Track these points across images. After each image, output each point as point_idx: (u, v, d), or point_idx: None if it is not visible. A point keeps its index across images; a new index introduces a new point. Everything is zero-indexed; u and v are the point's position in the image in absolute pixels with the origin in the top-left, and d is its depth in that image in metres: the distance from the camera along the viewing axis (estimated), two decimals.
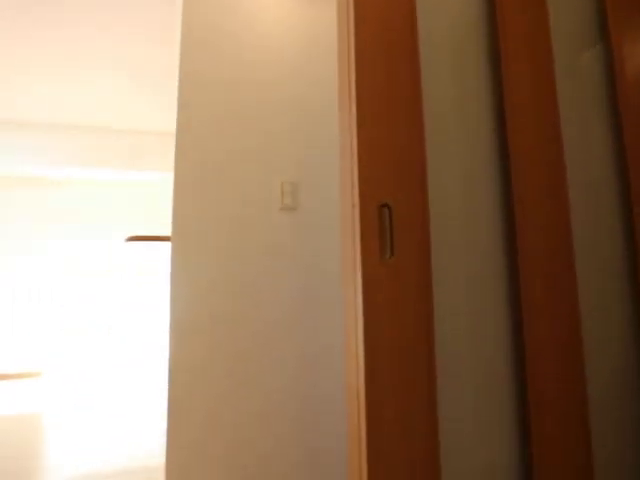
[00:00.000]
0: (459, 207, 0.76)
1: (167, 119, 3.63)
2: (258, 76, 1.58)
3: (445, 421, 0.75)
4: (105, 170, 3.78)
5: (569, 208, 0.83)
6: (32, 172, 3.80)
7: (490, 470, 0.76)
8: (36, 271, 3.91)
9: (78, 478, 1.86)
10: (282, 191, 1.52)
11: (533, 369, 0.73)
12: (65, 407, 2.79)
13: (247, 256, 1.48)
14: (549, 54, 0.86)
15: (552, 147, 0.82)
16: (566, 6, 0.99)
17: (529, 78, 0.82)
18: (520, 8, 0.85)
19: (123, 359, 3.97)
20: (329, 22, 1.70)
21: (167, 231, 4.18)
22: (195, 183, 1.48)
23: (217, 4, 1.57)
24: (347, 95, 0.72)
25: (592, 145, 0.97)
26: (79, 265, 4.01)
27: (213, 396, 1.39)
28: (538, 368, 0.74)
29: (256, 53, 1.60)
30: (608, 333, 0.88)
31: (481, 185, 0.78)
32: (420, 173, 0.68)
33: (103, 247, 4.09)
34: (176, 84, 3.03)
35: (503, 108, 0.81)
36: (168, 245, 4.18)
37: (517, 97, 0.79)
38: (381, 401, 0.62)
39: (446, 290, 0.73)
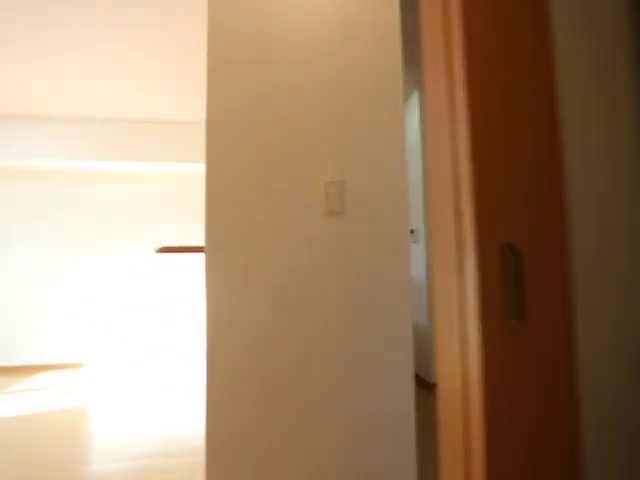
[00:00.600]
0: (615, 242, 0.52)
1: (198, 108, 3.46)
2: (291, 60, 1.36)
3: None
4: (145, 163, 3.70)
5: None
6: (83, 166, 3.78)
7: None
8: (86, 269, 3.95)
9: (122, 461, 1.82)
10: (326, 193, 1.31)
11: None
12: (108, 395, 2.81)
13: (286, 267, 1.30)
14: None
15: None
16: None
17: None
18: None
19: (159, 356, 3.99)
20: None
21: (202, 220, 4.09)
22: (228, 187, 1.30)
23: None
24: (444, 83, 0.50)
25: None
26: (122, 264, 4.01)
27: (249, 409, 1.25)
28: None
29: (288, 35, 1.37)
30: None
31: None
32: (557, 200, 0.45)
33: (142, 246, 4.06)
34: (204, 72, 2.84)
35: None
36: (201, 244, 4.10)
37: None
38: None
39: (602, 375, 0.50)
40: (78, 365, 3.84)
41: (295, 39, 1.37)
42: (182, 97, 3.27)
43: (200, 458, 1.95)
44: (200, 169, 4.05)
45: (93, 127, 3.67)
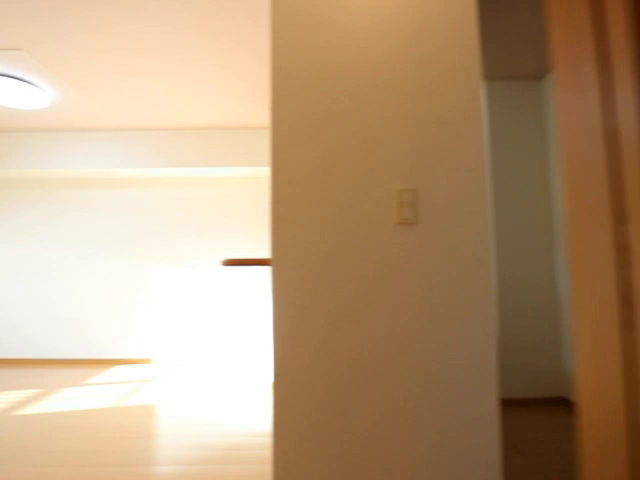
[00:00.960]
0: None
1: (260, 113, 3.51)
2: (360, 58, 1.28)
3: None
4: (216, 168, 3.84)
5: None
6: (153, 173, 4.03)
7: None
8: (157, 272, 4.19)
9: (188, 464, 1.87)
10: (399, 201, 1.22)
11: None
12: (177, 394, 2.94)
13: (356, 281, 1.23)
14: None
15: None
16: None
17: None
18: None
19: (227, 353, 4.11)
20: None
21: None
22: (294, 197, 1.25)
23: None
24: (591, 63, 0.40)
25: None
26: (192, 264, 4.20)
27: (314, 418, 1.19)
28: None
29: (353, 35, 1.30)
30: None
31: None
32: None
33: (213, 245, 4.22)
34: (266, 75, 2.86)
35: None
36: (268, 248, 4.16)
37: None
38: None
39: None
40: (147, 361, 4.07)
41: (361, 39, 1.30)
42: (241, 103, 3.33)
43: (267, 465, 1.95)
44: (259, 172, 4.11)
45: (157, 136, 3.87)
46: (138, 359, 4.09)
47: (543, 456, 1.95)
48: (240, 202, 4.22)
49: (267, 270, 4.15)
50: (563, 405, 2.66)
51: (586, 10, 0.41)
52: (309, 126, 1.27)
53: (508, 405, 2.68)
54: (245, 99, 3.23)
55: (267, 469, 1.91)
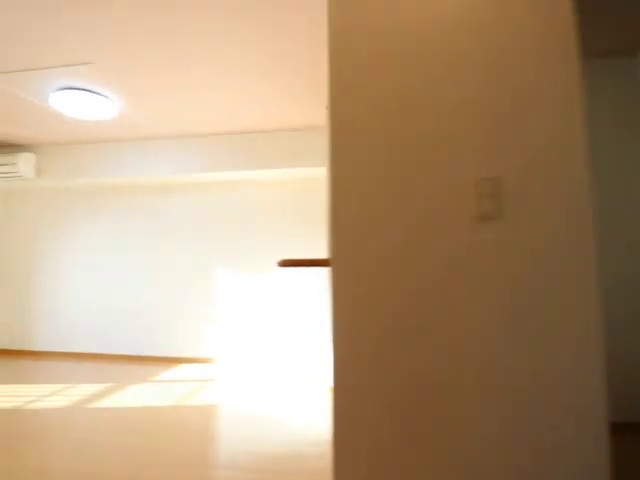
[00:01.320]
0: None
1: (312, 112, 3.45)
2: (432, 33, 1.13)
3: None
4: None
5: None
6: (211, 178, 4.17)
7: None
8: (219, 273, 4.32)
9: (247, 462, 1.82)
10: (478, 192, 1.05)
11: None
12: (239, 395, 2.95)
13: (424, 288, 1.07)
14: None
15: None
16: None
17: None
18: None
19: (287, 354, 4.09)
20: None
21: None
22: (355, 194, 1.13)
23: None
24: None
25: None
26: (253, 265, 4.26)
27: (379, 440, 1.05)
28: None
29: (425, 1, 1.14)
30: None
31: None
32: None
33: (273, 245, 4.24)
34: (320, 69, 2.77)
35: None
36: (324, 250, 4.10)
37: None
38: None
39: None
40: (210, 360, 4.18)
41: (433, 10, 1.14)
42: (297, 103, 3.28)
43: (323, 476, 1.84)
44: (311, 173, 4.05)
45: (215, 141, 3.95)
46: (201, 358, 4.21)
47: None
48: (298, 203, 4.19)
49: (326, 271, 4.06)
50: None
51: None
52: (371, 114, 1.15)
53: (621, 430, 2.29)
54: (301, 99, 3.18)
55: None
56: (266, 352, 4.12)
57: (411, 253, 1.09)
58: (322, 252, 4.10)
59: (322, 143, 3.79)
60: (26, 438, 2.24)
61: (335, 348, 1.12)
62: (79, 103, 2.94)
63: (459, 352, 1.05)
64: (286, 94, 3.11)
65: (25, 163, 4.05)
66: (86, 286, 4.52)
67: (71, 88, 2.82)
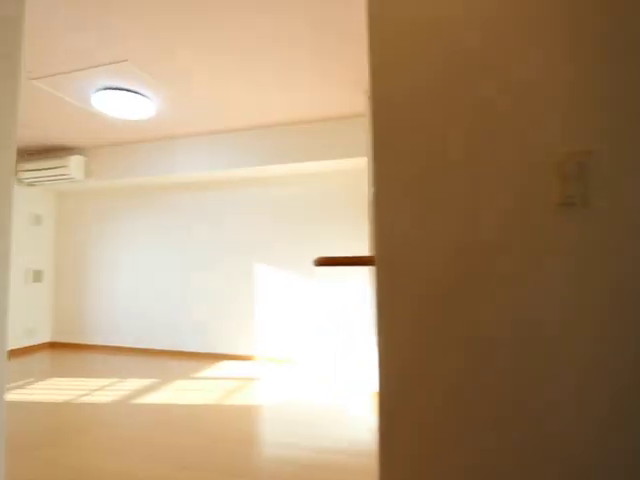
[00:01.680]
0: None
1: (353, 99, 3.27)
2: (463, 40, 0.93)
3: None
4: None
5: None
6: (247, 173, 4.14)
7: None
8: (259, 272, 4.29)
9: (285, 471, 1.73)
10: (561, 173, 0.84)
11: None
12: (278, 393, 2.89)
13: (491, 288, 0.89)
14: None
15: None
16: None
17: None
18: None
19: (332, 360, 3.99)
20: None
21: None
22: (403, 179, 0.96)
23: None
24: None
25: None
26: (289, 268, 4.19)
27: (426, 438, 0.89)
28: None
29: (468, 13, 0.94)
30: None
31: None
32: None
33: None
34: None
35: None
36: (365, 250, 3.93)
37: None
38: None
39: None
40: (251, 358, 4.16)
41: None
42: (337, 91, 3.12)
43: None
44: (351, 163, 3.87)
45: (254, 135, 3.88)
46: (243, 355, 4.20)
47: None
48: (345, 196, 4.03)
49: (370, 271, 3.89)
50: None
51: None
52: (420, 89, 0.97)
53: None
54: (342, 87, 3.01)
55: None
56: (308, 351, 4.02)
57: (475, 248, 0.90)
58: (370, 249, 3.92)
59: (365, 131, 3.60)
60: (70, 433, 2.28)
61: (380, 355, 0.97)
62: (118, 102, 2.97)
63: (536, 364, 0.85)
64: (329, 81, 2.96)
65: (76, 165, 4.22)
66: (134, 283, 4.66)
67: (110, 88, 2.85)
